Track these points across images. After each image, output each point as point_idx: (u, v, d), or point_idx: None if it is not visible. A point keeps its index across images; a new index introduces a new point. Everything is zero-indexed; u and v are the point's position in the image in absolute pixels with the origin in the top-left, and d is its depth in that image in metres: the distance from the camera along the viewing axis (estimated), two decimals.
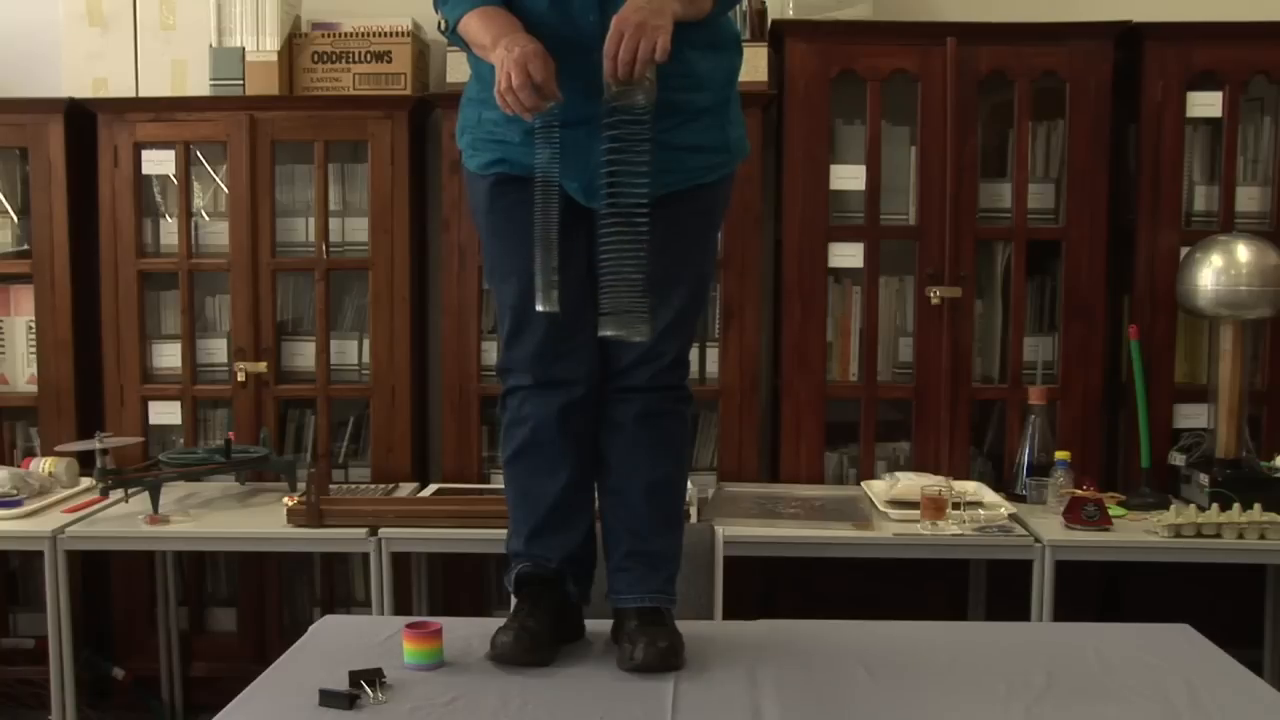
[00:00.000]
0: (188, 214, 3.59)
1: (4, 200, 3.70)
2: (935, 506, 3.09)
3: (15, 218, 3.71)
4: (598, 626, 2.27)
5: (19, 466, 3.44)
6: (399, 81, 3.57)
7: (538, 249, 2.02)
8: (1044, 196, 3.57)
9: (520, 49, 1.92)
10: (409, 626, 2.10)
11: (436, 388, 3.69)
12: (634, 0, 1.93)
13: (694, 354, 3.21)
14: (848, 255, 3.53)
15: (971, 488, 3.30)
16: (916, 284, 3.54)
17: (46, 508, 3.23)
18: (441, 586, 3.65)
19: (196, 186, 3.64)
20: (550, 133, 2.01)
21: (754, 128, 3.28)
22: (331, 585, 3.77)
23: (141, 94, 3.60)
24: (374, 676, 1.94)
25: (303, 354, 3.67)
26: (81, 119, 3.57)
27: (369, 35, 3.57)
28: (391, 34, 3.57)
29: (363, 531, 3.10)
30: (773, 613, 3.11)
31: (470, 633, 2.21)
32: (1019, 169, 3.51)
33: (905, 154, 3.54)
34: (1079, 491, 3.15)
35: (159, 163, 3.60)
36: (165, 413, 3.60)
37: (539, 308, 2.04)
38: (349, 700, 1.87)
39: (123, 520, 3.16)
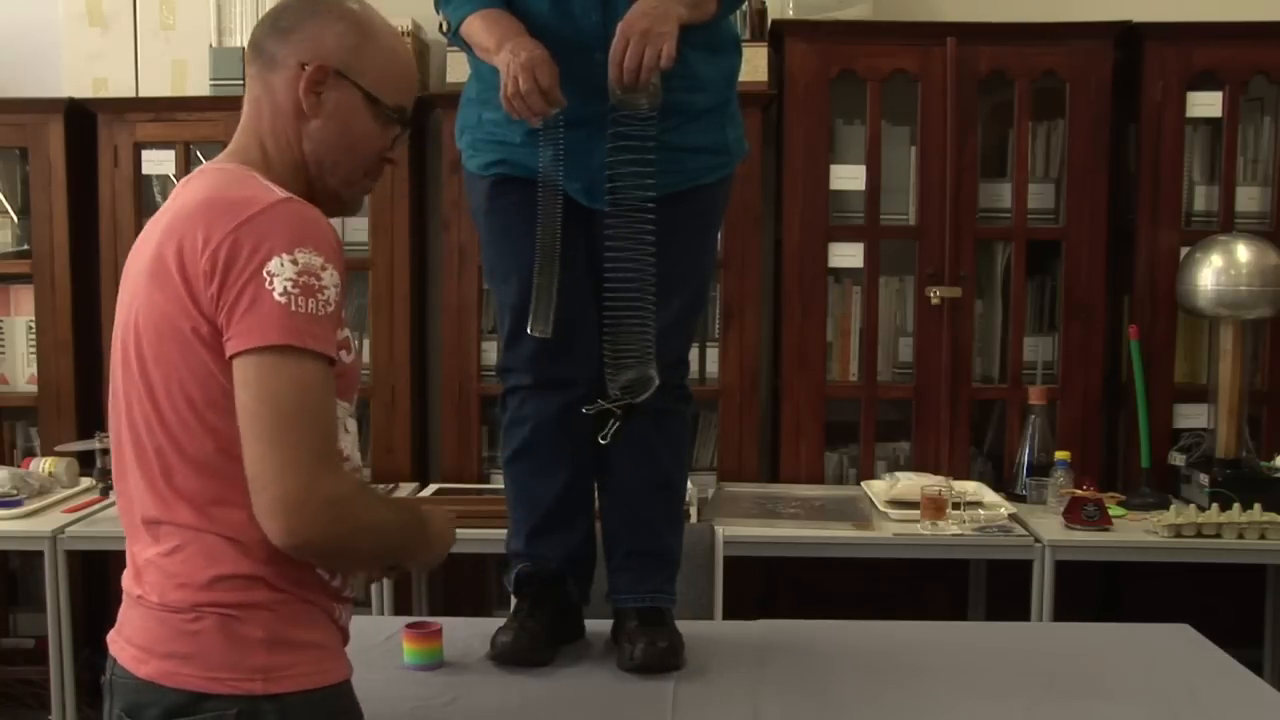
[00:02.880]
0: None
1: (4, 200, 3.70)
2: (935, 506, 3.09)
3: (15, 218, 3.70)
4: (598, 626, 2.27)
5: (19, 466, 3.44)
6: None
7: (538, 268, 2.03)
8: (1044, 196, 3.56)
9: (526, 53, 1.93)
10: (409, 626, 2.11)
11: (436, 388, 3.69)
12: (639, 6, 1.94)
13: (694, 354, 3.21)
14: (848, 255, 3.53)
15: (971, 488, 3.30)
16: (916, 284, 3.53)
17: (46, 508, 3.23)
18: (441, 586, 3.65)
19: None
20: (554, 135, 2.02)
21: (754, 128, 3.28)
22: None
23: (141, 94, 3.60)
24: None
25: None
26: (81, 119, 3.57)
27: None
28: None
29: None
30: (773, 613, 3.11)
31: (470, 633, 2.21)
32: (1019, 169, 3.51)
33: (905, 154, 3.54)
34: (1079, 491, 3.15)
35: (159, 163, 3.59)
36: None
37: (529, 330, 2.04)
38: None
39: None
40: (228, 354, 1.44)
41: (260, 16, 1.64)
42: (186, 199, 1.54)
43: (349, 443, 1.57)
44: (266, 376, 1.43)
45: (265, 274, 1.43)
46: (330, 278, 1.46)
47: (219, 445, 1.46)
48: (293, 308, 1.43)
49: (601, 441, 2.04)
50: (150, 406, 1.49)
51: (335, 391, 1.49)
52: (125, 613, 1.56)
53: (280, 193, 1.50)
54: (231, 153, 1.62)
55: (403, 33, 3.57)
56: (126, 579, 1.56)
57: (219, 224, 1.46)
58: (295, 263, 1.44)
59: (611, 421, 2.02)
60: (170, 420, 1.48)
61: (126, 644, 1.53)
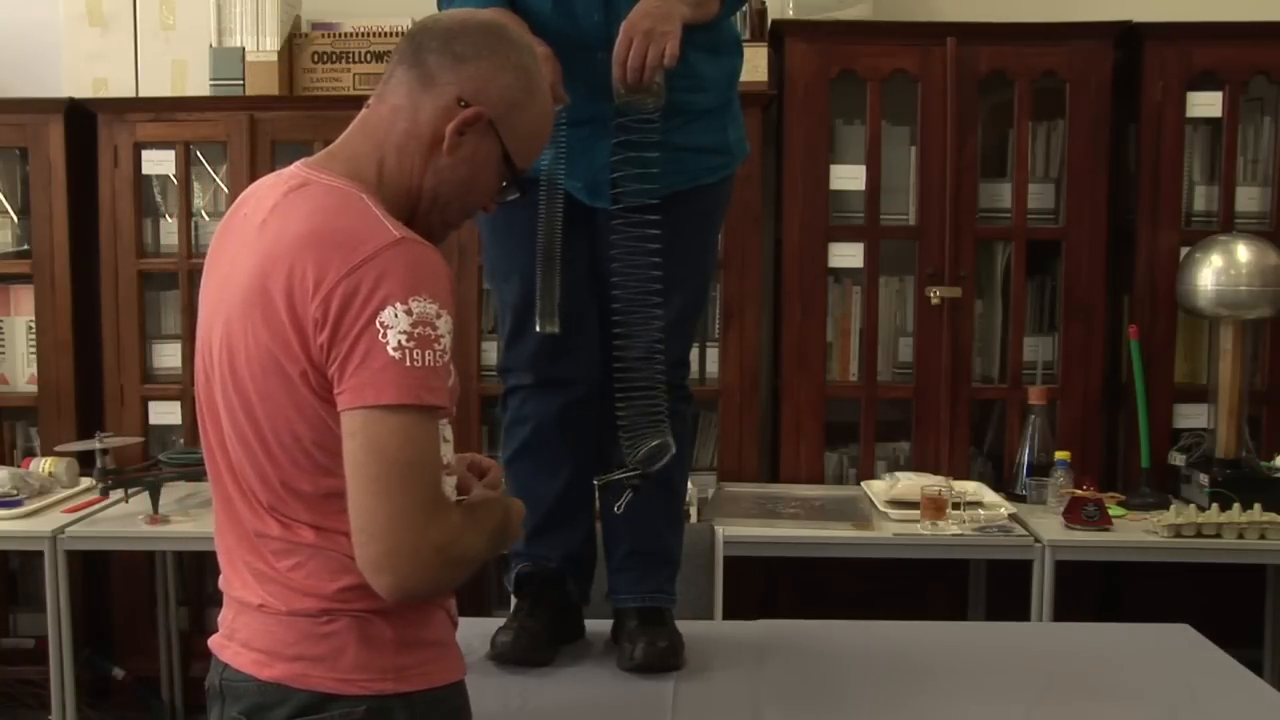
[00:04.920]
0: (188, 214, 3.59)
1: (4, 200, 3.70)
2: (935, 506, 3.09)
3: (15, 218, 3.70)
4: (598, 626, 2.27)
5: (19, 466, 3.44)
6: None
7: (539, 268, 2.03)
8: (1044, 196, 3.56)
9: None
10: None
11: None
12: (642, 5, 1.94)
13: (694, 354, 3.21)
14: (848, 255, 3.53)
15: (971, 488, 3.30)
16: (916, 284, 3.53)
17: (46, 508, 3.22)
18: None
19: (196, 186, 3.64)
20: (556, 133, 2.03)
21: (754, 128, 3.28)
22: None
23: (141, 94, 3.60)
24: None
25: None
26: (81, 119, 3.57)
27: (369, 35, 3.57)
28: (391, 34, 3.57)
29: None
30: (773, 613, 3.11)
31: (470, 633, 2.20)
32: (1019, 169, 3.51)
33: (905, 154, 3.54)
34: (1079, 491, 3.15)
35: (159, 163, 3.59)
36: (165, 413, 3.60)
37: (539, 329, 2.05)
38: None
39: (123, 520, 3.16)
40: (339, 406, 1.41)
41: (426, 18, 1.56)
42: (293, 220, 1.46)
43: (448, 451, 1.55)
44: (376, 429, 1.39)
45: (379, 325, 1.38)
46: (445, 325, 1.41)
47: (332, 481, 1.44)
48: (407, 363, 1.38)
49: (616, 512, 2.05)
50: (257, 442, 1.46)
51: (439, 434, 1.46)
52: (237, 619, 1.53)
53: (394, 229, 1.43)
54: (345, 162, 1.53)
55: (403, 33, 3.57)
56: (235, 587, 1.53)
57: (332, 264, 1.40)
58: (410, 313, 1.38)
59: (626, 492, 2.02)
60: (279, 457, 1.45)
61: (243, 648, 1.51)
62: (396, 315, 1.38)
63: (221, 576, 1.58)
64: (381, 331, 1.38)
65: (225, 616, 1.56)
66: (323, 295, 1.40)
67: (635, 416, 2.02)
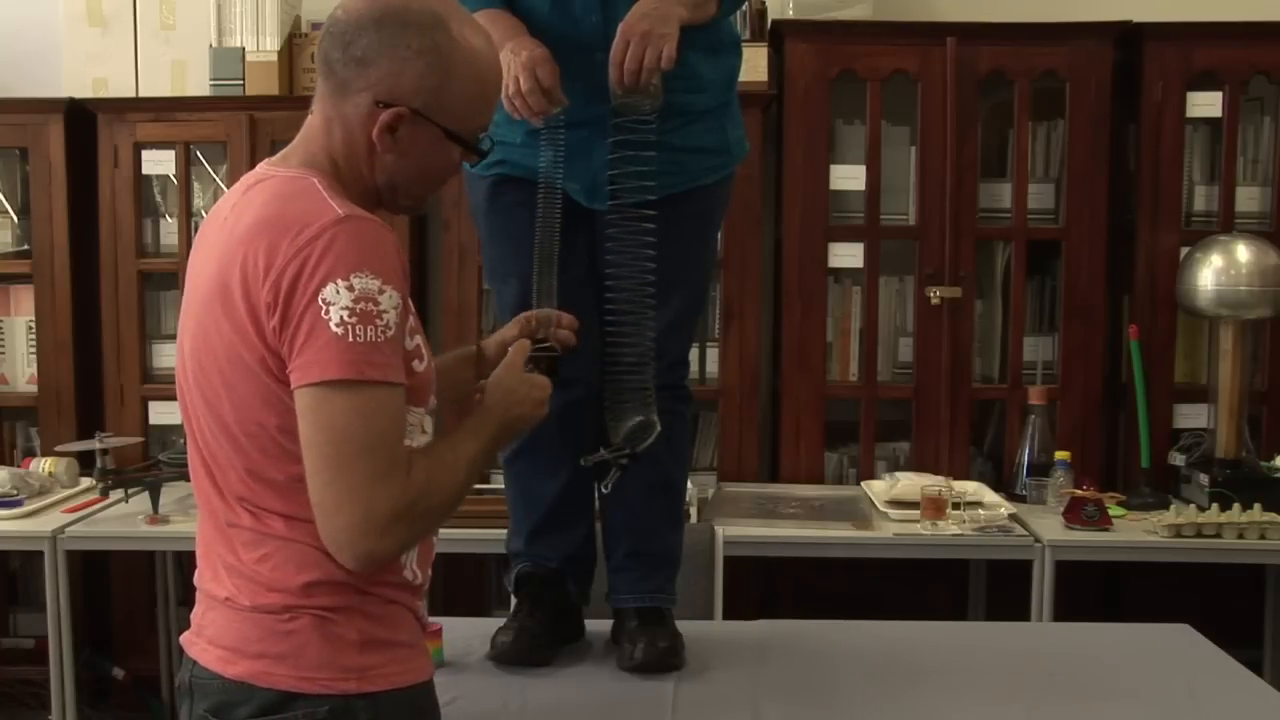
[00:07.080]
0: (188, 214, 3.58)
1: (4, 200, 3.70)
2: (935, 506, 3.09)
3: (15, 218, 3.70)
4: (598, 626, 2.27)
5: (19, 466, 3.44)
6: None
7: (536, 274, 2.04)
8: (1044, 196, 3.56)
9: (528, 53, 1.94)
10: None
11: None
12: (640, 7, 1.94)
13: (694, 354, 3.21)
14: (848, 255, 3.53)
15: (971, 488, 3.30)
16: (916, 284, 3.53)
17: (46, 508, 3.23)
18: (441, 586, 3.64)
19: (196, 186, 3.63)
20: (555, 135, 2.03)
21: (754, 128, 3.28)
22: None
23: (141, 94, 3.60)
24: None
25: None
26: (81, 119, 3.57)
27: None
28: None
29: None
30: (773, 613, 3.11)
31: (470, 633, 2.21)
32: (1019, 169, 3.51)
33: (905, 154, 3.53)
34: (1079, 491, 3.15)
35: (159, 163, 3.59)
36: (165, 413, 3.59)
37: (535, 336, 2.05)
38: None
39: (123, 520, 3.16)
40: (291, 385, 1.43)
41: (329, 18, 1.54)
42: (249, 212, 1.49)
43: (425, 443, 1.56)
44: (325, 407, 1.41)
45: (321, 302, 1.40)
46: (389, 300, 1.43)
47: (301, 468, 1.45)
48: (350, 338, 1.40)
49: (604, 491, 2.05)
50: (225, 434, 1.48)
51: (402, 410, 1.47)
52: (205, 615, 1.55)
53: (339, 208, 1.45)
54: (301, 159, 1.55)
55: None
56: (206, 580, 1.55)
57: (280, 247, 1.42)
58: (351, 289, 1.40)
59: (613, 470, 2.02)
60: (248, 447, 1.47)
61: (210, 645, 1.52)
62: (338, 291, 1.41)
63: (197, 570, 1.59)
64: (324, 308, 1.41)
65: (196, 611, 1.58)
66: (273, 279, 1.42)
67: (620, 393, 2.02)
